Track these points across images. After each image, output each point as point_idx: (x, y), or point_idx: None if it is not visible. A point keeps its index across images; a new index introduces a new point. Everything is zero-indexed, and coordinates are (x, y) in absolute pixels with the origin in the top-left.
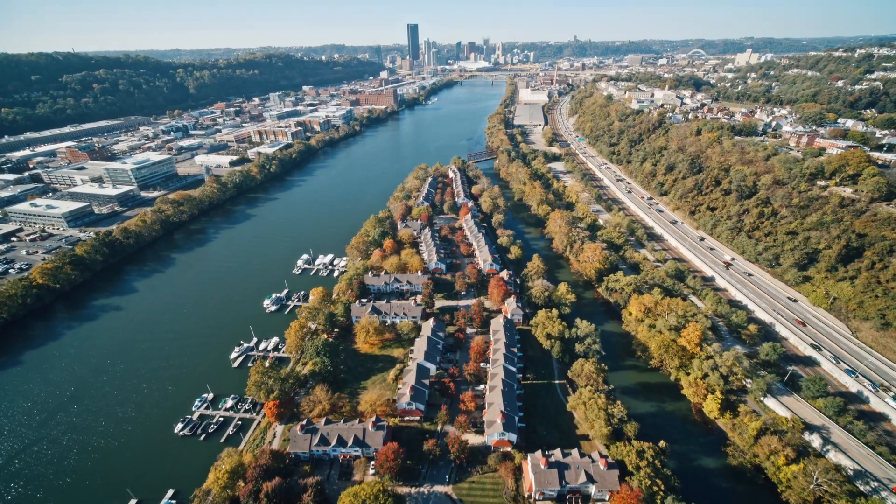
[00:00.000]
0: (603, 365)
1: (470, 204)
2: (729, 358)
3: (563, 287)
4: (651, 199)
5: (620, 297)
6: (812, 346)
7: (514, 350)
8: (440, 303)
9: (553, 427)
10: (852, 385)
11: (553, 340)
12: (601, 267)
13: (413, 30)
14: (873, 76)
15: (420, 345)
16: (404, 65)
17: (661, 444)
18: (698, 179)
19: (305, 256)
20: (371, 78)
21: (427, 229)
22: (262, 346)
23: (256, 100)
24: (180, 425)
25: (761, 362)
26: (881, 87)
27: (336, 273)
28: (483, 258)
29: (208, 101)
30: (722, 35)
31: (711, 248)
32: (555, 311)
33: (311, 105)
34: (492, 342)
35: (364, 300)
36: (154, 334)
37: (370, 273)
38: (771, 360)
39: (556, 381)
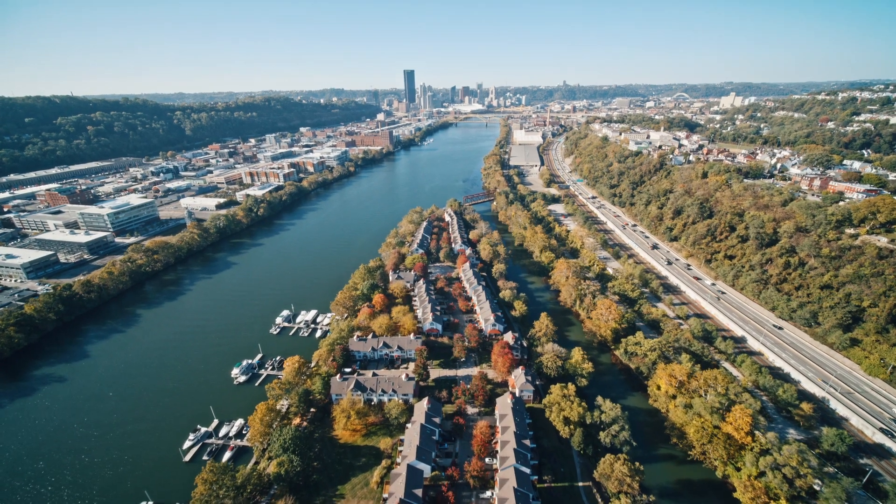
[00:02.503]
0: (637, 464)
1: (468, 251)
2: (792, 454)
3: (577, 354)
4: (654, 243)
5: (643, 363)
6: (882, 430)
7: (527, 443)
8: (436, 372)
9: None
10: None
11: (572, 427)
12: (617, 327)
13: (409, 75)
14: (861, 118)
15: (412, 435)
16: (401, 107)
17: None
18: (710, 225)
19: (286, 313)
20: (368, 120)
21: (421, 282)
22: (222, 432)
23: (253, 141)
24: None
25: (825, 454)
26: (872, 129)
27: (319, 333)
28: (484, 316)
29: (204, 142)
30: (703, 80)
31: (718, 292)
32: (571, 387)
33: (306, 146)
34: (498, 429)
35: (347, 371)
36: (93, 417)
37: (356, 336)
38: (839, 451)
39: (580, 484)
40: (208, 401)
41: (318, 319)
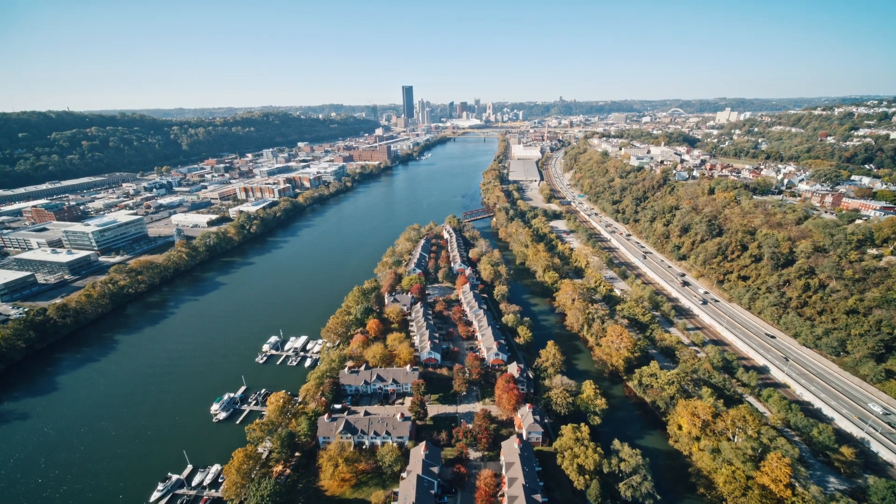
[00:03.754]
0: None
1: (468, 271)
2: None
3: (588, 388)
4: (662, 262)
5: (659, 396)
6: None
7: (537, 498)
8: (435, 409)
9: None
10: None
11: (588, 476)
12: (630, 356)
13: (408, 91)
14: (860, 133)
15: (407, 488)
16: (399, 122)
17: None
18: (721, 243)
19: (274, 339)
20: (366, 135)
21: (419, 305)
22: (196, 480)
23: (250, 156)
24: None
25: None
26: (873, 144)
27: (308, 362)
28: (486, 344)
29: (201, 157)
30: (697, 96)
31: (731, 318)
32: (585, 429)
33: (303, 161)
34: (504, 480)
35: (337, 407)
36: (55, 459)
37: (346, 369)
38: None
39: None
40: (183, 442)
41: (308, 347)
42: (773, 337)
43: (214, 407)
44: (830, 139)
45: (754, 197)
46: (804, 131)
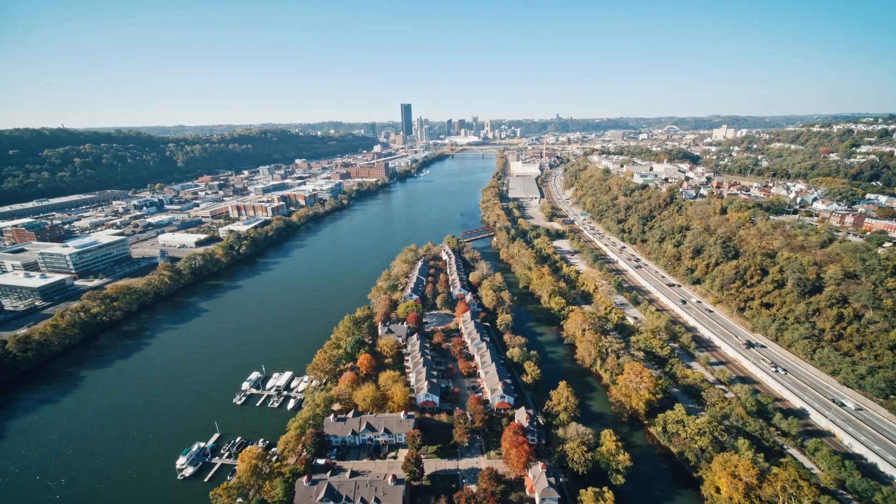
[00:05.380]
0: None
1: (468, 297)
2: None
3: (608, 440)
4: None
5: (688, 447)
6: None
7: None
8: (432, 464)
9: None
10: None
11: None
12: (652, 398)
13: (407, 109)
14: (863, 150)
15: None
16: (398, 140)
17: None
18: (738, 267)
19: (255, 375)
20: (365, 151)
21: (415, 337)
22: None
23: (246, 173)
24: None
25: None
26: (878, 161)
27: (292, 403)
28: (490, 385)
29: (196, 174)
30: (691, 113)
31: (754, 352)
32: (609, 496)
33: (300, 178)
34: None
35: (321, 463)
36: None
37: (332, 417)
38: None
39: None
40: None
41: (293, 385)
42: (784, 370)
43: (181, 461)
44: (833, 156)
45: (771, 217)
46: (804, 148)
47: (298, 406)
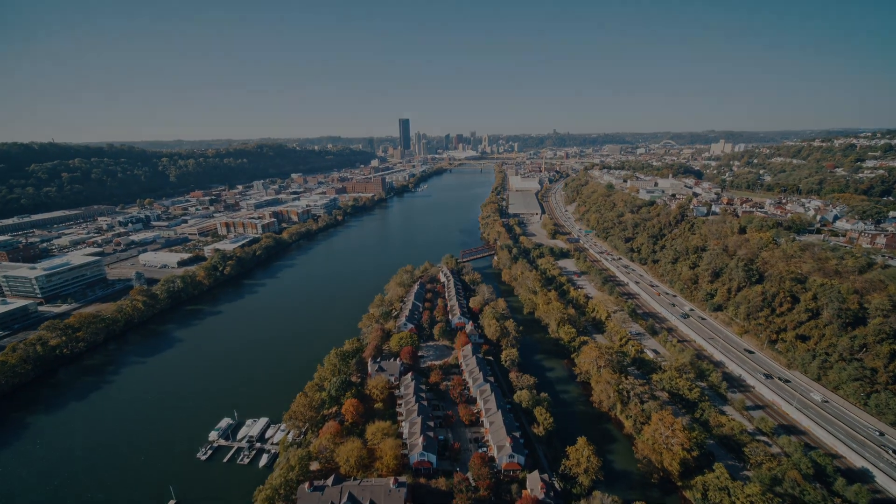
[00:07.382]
0: None
1: (469, 326)
2: None
3: None
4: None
5: None
6: None
7: None
8: None
9: None
10: None
11: None
12: (687, 456)
13: (405, 123)
14: (869, 164)
15: None
16: (396, 154)
17: None
18: (765, 293)
19: (226, 423)
20: (362, 166)
21: (409, 377)
22: None
23: (240, 188)
24: None
25: None
26: (887, 175)
27: (265, 458)
28: (497, 440)
29: (189, 189)
30: (687, 128)
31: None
32: None
33: (294, 193)
34: None
35: None
36: None
37: (307, 486)
38: None
39: None
40: None
41: (268, 434)
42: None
43: None
44: (840, 171)
45: (796, 238)
46: (806, 163)
47: (272, 461)
